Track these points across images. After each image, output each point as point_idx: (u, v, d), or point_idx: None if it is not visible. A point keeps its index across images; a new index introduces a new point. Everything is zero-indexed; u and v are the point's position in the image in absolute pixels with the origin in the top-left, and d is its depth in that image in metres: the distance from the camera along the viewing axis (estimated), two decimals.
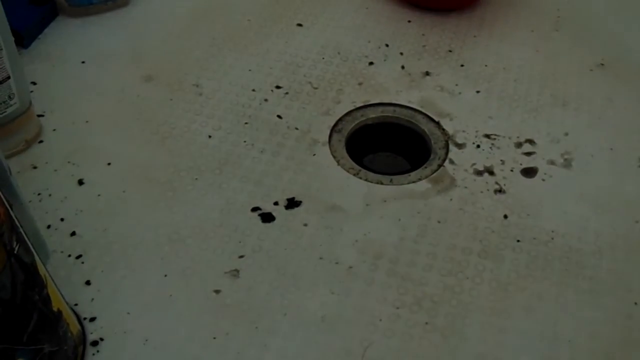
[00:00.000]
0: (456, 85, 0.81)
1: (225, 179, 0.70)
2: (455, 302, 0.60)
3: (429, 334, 0.58)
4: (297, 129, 0.76)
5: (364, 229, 0.66)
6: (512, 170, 0.72)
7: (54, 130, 0.74)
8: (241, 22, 0.91)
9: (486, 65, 0.84)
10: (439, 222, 0.67)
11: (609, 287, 0.62)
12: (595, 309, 0.60)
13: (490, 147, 0.74)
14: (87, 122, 0.75)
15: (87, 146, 0.73)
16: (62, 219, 0.66)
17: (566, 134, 0.76)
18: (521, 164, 0.72)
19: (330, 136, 0.75)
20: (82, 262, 0.62)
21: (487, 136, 0.75)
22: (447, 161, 0.73)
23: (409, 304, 0.60)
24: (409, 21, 0.91)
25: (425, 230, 0.66)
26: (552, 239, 0.66)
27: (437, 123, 0.77)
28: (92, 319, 0.58)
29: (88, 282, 0.61)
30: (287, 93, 0.80)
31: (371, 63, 0.84)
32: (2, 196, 0.44)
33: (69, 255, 0.63)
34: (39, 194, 0.68)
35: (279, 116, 0.77)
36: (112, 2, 0.90)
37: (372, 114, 0.78)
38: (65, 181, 0.69)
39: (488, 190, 0.70)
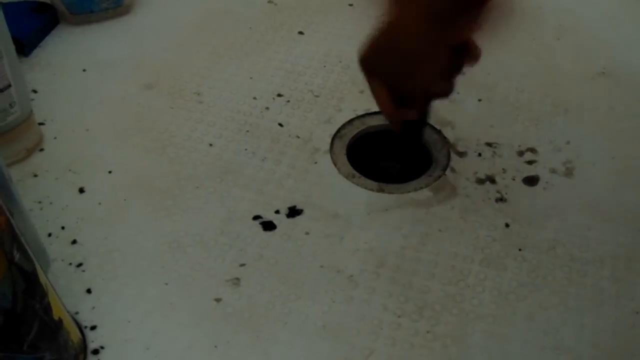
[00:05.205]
0: (458, 93, 0.81)
1: (226, 188, 0.70)
2: (456, 311, 0.60)
3: (430, 342, 0.58)
4: (298, 137, 0.75)
5: (365, 237, 0.66)
6: (513, 179, 0.72)
7: (55, 138, 0.74)
8: (242, 31, 0.91)
9: (488, 74, 0.84)
10: (440, 230, 0.67)
11: (611, 296, 0.62)
12: (597, 317, 0.60)
13: (492, 156, 0.74)
14: (87, 130, 0.75)
15: (88, 154, 0.73)
16: (62, 227, 0.65)
17: (568, 143, 0.76)
18: (523, 173, 0.72)
19: (332, 144, 0.75)
20: (83, 271, 0.62)
21: (489, 144, 0.75)
22: (448, 169, 0.72)
23: (410, 313, 0.60)
24: None
25: (427, 238, 0.66)
26: (554, 247, 0.66)
27: (439, 131, 0.77)
28: (93, 328, 0.58)
29: (89, 291, 0.60)
30: (288, 101, 0.80)
31: None
32: (2, 204, 0.44)
33: (70, 264, 0.62)
34: (39, 202, 0.67)
35: (280, 124, 0.77)
36: (112, 10, 0.90)
37: (374, 122, 0.78)
38: (66, 189, 0.69)
39: (489, 198, 0.70)
